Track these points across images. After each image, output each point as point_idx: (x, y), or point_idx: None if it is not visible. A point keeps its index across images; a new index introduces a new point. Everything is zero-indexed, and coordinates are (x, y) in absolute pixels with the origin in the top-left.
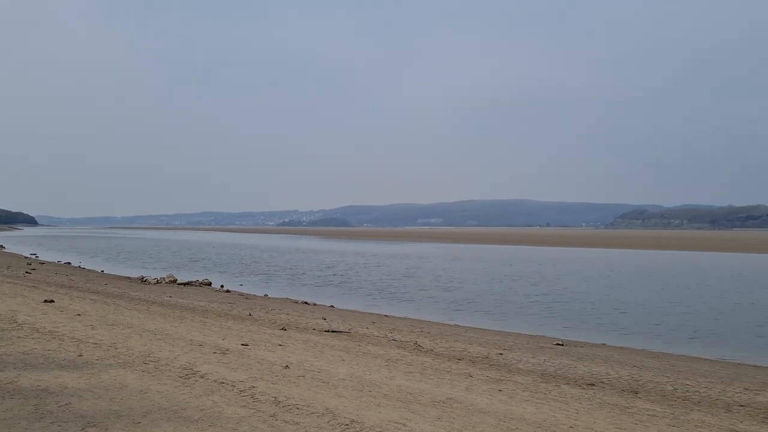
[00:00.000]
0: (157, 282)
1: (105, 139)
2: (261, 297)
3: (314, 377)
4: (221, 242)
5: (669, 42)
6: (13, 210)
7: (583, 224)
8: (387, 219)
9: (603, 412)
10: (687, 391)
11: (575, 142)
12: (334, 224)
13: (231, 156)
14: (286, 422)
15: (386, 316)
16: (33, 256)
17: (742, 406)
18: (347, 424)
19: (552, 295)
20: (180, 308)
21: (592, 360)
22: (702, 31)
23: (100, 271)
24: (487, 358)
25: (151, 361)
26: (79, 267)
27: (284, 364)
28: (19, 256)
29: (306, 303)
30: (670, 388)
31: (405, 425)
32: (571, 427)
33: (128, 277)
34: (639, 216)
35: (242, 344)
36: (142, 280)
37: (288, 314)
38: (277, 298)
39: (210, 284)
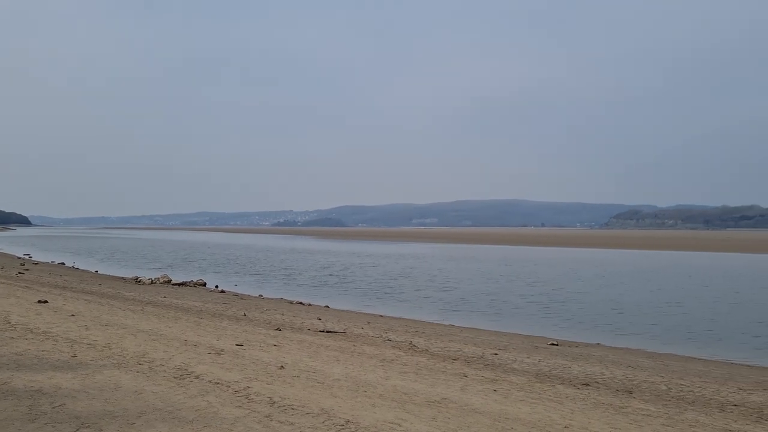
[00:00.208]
0: (152, 282)
1: (100, 139)
2: (256, 297)
3: (309, 377)
4: (216, 242)
5: (666, 43)
6: (6, 210)
7: (578, 224)
8: (382, 219)
9: (598, 412)
10: (681, 390)
11: (570, 142)
12: (330, 224)
13: (227, 156)
14: (281, 422)
15: (381, 316)
16: (26, 257)
17: (735, 405)
18: (342, 425)
19: (547, 295)
20: (175, 309)
21: (587, 360)
22: (699, 31)
23: (94, 271)
24: (482, 358)
25: (146, 362)
26: (73, 267)
27: (279, 365)
28: (12, 257)
29: (301, 303)
30: (664, 387)
31: (400, 425)
32: (566, 427)
33: (122, 278)
34: (633, 216)
35: (237, 344)
36: (137, 281)
37: (283, 314)
38: (272, 299)
39: (205, 284)
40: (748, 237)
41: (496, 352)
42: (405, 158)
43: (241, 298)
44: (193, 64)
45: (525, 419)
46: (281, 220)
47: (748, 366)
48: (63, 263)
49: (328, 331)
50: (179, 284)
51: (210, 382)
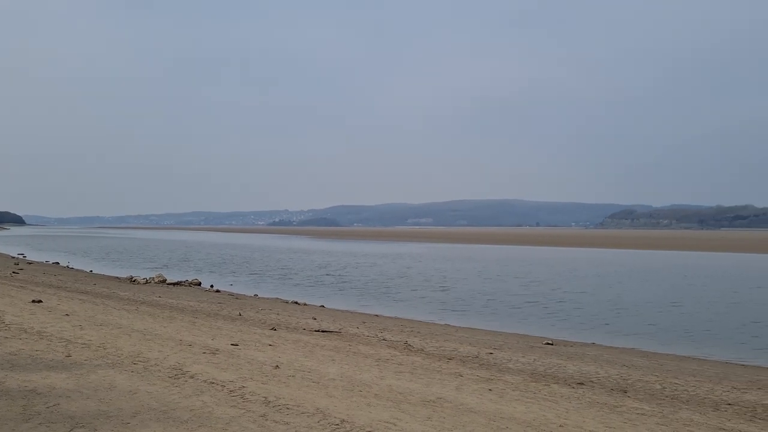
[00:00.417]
0: (147, 282)
1: (96, 139)
2: (251, 297)
3: (304, 377)
4: (211, 242)
5: (663, 43)
6: (0, 209)
7: (573, 224)
8: (377, 219)
9: (592, 411)
10: (675, 389)
11: (565, 142)
12: (325, 224)
13: (222, 156)
14: (276, 422)
15: (377, 315)
16: (20, 256)
17: (729, 404)
18: (337, 424)
19: (542, 295)
20: (169, 308)
21: (582, 359)
22: (699, 31)
23: (88, 271)
24: (477, 357)
25: (141, 362)
26: (68, 267)
27: (274, 364)
28: (7, 256)
29: (296, 303)
30: (658, 386)
31: (395, 425)
32: (560, 426)
33: (117, 277)
34: (628, 216)
35: (232, 344)
36: (131, 280)
37: (278, 314)
38: (268, 298)
39: (200, 284)
40: (743, 237)
41: (492, 351)
42: (400, 158)
43: (237, 298)
44: (191, 64)
45: (520, 418)
46: (276, 220)
47: (743, 365)
48: (57, 263)
49: (323, 331)
50: (174, 284)
51: (205, 381)
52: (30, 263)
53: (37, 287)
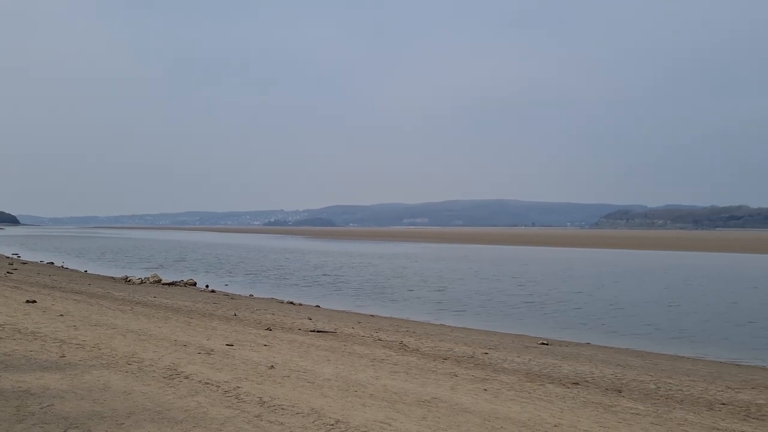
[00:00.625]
0: (142, 282)
1: (90, 139)
2: (246, 297)
3: (299, 377)
4: (207, 242)
5: (661, 43)
6: None
7: (568, 224)
8: (373, 219)
9: (587, 410)
10: (670, 389)
11: (561, 143)
12: (320, 224)
13: (218, 156)
14: (271, 422)
15: (372, 315)
16: (15, 256)
17: (723, 404)
18: (332, 424)
19: (538, 294)
20: (164, 308)
21: (577, 359)
22: (699, 32)
23: (83, 271)
24: (472, 357)
25: (135, 362)
26: (62, 267)
27: (269, 365)
28: (1, 256)
29: (292, 303)
30: (653, 386)
31: (390, 425)
32: (555, 425)
33: (112, 278)
34: (623, 216)
35: (227, 344)
36: (126, 281)
37: (273, 314)
38: (263, 298)
39: (195, 284)
40: (737, 237)
41: (487, 351)
42: (396, 158)
43: (232, 298)
44: (190, 64)
45: (515, 418)
46: (272, 220)
47: (737, 365)
48: (52, 263)
49: (318, 331)
50: (169, 284)
51: (200, 382)
52: (24, 263)
53: (31, 287)
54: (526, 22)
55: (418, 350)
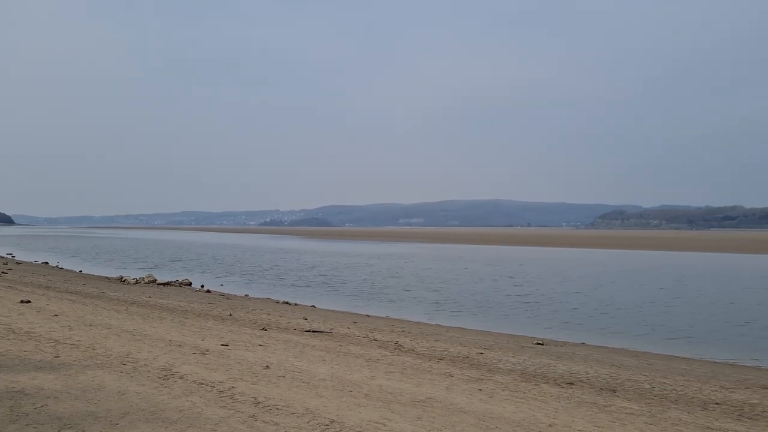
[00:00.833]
0: (137, 282)
1: (86, 139)
2: (242, 297)
3: (294, 377)
4: (202, 242)
5: (659, 44)
6: None
7: (564, 224)
8: (368, 219)
9: (582, 410)
10: (664, 389)
11: (557, 143)
12: (316, 224)
13: (214, 156)
14: (266, 423)
15: (367, 315)
16: (9, 256)
17: (717, 404)
18: (327, 424)
19: (533, 295)
20: (159, 308)
21: (572, 359)
22: (689, 33)
23: (78, 271)
24: (467, 357)
25: (130, 362)
26: (57, 267)
27: (264, 365)
28: None
29: (287, 303)
30: (647, 386)
31: (385, 425)
32: (550, 425)
33: (107, 278)
34: (618, 216)
35: (222, 344)
36: (121, 281)
37: (269, 314)
38: (258, 298)
39: (190, 284)
40: (732, 237)
41: (482, 351)
42: (392, 158)
43: (227, 298)
44: (184, 64)
45: (510, 418)
46: (267, 220)
47: (731, 365)
48: (47, 263)
49: (314, 331)
50: (164, 284)
51: (194, 382)
52: (19, 263)
53: (25, 287)
54: (525, 21)
55: (413, 350)
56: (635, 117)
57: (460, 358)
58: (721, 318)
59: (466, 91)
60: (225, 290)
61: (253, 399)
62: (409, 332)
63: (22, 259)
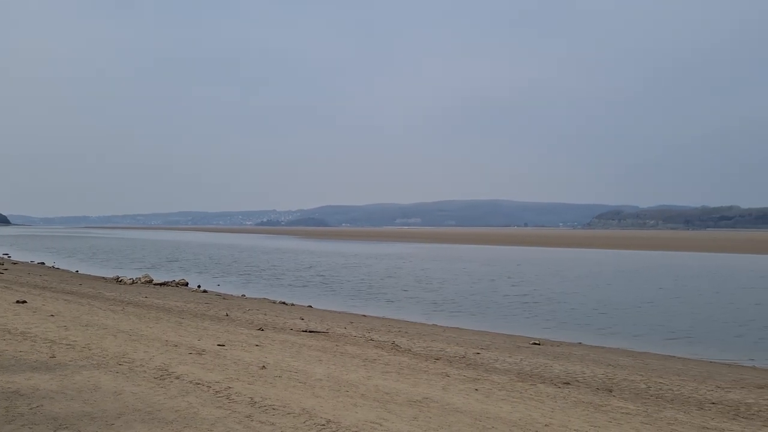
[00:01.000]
0: (133, 282)
1: (82, 139)
2: (238, 297)
3: (291, 377)
4: (199, 242)
5: (655, 44)
6: None
7: (561, 224)
8: (365, 219)
9: (578, 410)
10: (660, 389)
11: (554, 143)
12: (313, 224)
13: (211, 156)
14: (262, 423)
15: (364, 316)
16: (5, 256)
17: (713, 403)
18: (323, 425)
19: (530, 295)
20: (156, 309)
21: (568, 359)
22: (688, 33)
23: (74, 271)
24: (464, 357)
25: (126, 362)
26: (53, 267)
27: (261, 365)
28: None
29: (284, 303)
30: (643, 386)
31: (381, 425)
32: (546, 425)
33: (103, 278)
34: (615, 216)
35: (218, 345)
36: (118, 281)
37: (265, 314)
38: (255, 299)
39: (187, 284)
40: (728, 237)
41: (479, 351)
42: (389, 158)
43: (224, 298)
44: (182, 64)
45: (506, 418)
46: (264, 220)
47: (727, 365)
48: (43, 263)
49: (310, 331)
50: (161, 284)
51: (191, 382)
52: (15, 263)
53: (21, 287)
54: (525, 21)
55: (410, 350)
56: (633, 117)
57: (457, 358)
58: (718, 318)
59: (466, 91)
60: (222, 290)
61: (249, 399)
62: (406, 332)
63: (18, 260)
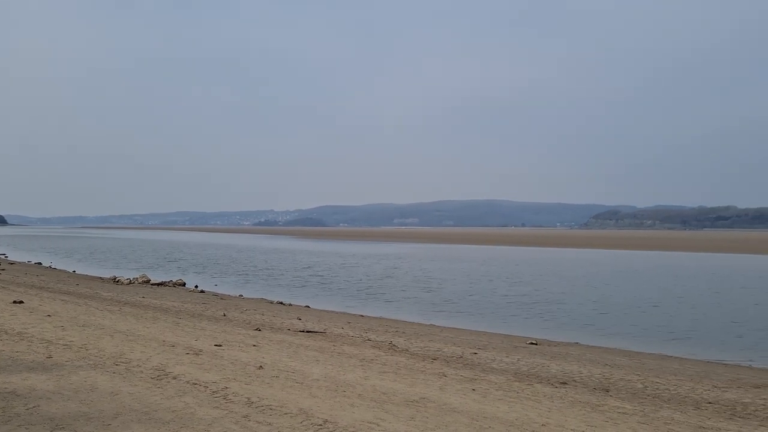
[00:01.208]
0: (130, 282)
1: (79, 139)
2: (236, 297)
3: (288, 377)
4: (197, 242)
5: (652, 45)
6: None
7: (558, 224)
8: (363, 219)
9: (574, 410)
10: (657, 388)
11: (551, 143)
12: (311, 224)
13: (208, 156)
14: (259, 423)
15: (362, 316)
16: (2, 257)
17: (710, 403)
18: (320, 425)
19: (528, 295)
20: (153, 309)
21: (565, 359)
22: (688, 34)
23: (71, 271)
24: (461, 357)
25: (123, 363)
26: (50, 267)
27: (258, 365)
28: None
29: (281, 303)
30: (640, 386)
31: (378, 425)
32: (543, 425)
33: (100, 278)
34: (612, 216)
35: (216, 345)
36: (115, 281)
37: (263, 314)
38: (252, 299)
39: (184, 285)
40: (725, 237)
41: (476, 351)
42: (387, 158)
43: (221, 299)
44: (180, 64)
45: (503, 418)
46: (262, 220)
47: (724, 364)
48: (40, 263)
49: (308, 331)
50: (158, 284)
51: (188, 382)
52: (12, 263)
53: (18, 288)
54: (525, 22)
55: (407, 350)
56: (631, 118)
57: (454, 358)
58: (714, 318)
59: (465, 91)
60: (219, 290)
61: (246, 399)
62: (404, 332)
63: (15, 260)
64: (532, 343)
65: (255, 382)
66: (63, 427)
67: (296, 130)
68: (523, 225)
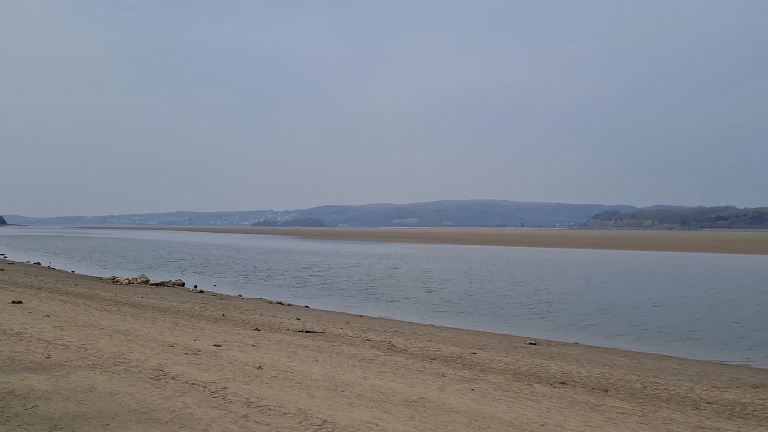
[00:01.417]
0: (129, 282)
1: (78, 139)
2: (235, 297)
3: (287, 378)
4: (196, 242)
5: (647, 45)
6: None
7: (557, 224)
8: (362, 219)
9: (573, 410)
10: (656, 388)
11: (550, 144)
12: (310, 224)
13: (207, 155)
14: (258, 423)
15: (361, 316)
16: (1, 257)
17: (709, 403)
18: (319, 425)
19: (527, 295)
20: (152, 309)
21: (564, 359)
22: (682, 34)
23: (70, 271)
24: (460, 357)
25: (122, 363)
26: (49, 267)
27: (257, 365)
28: None
29: (280, 303)
30: (639, 386)
31: (377, 425)
32: (542, 425)
33: (99, 278)
34: (612, 216)
35: (215, 345)
36: (114, 281)
37: (262, 315)
38: (252, 299)
39: (183, 285)
40: (724, 237)
41: (475, 351)
42: (386, 158)
43: (220, 299)
44: (179, 62)
45: (502, 418)
46: (261, 220)
47: (723, 364)
48: (39, 263)
49: (307, 331)
50: (157, 284)
51: (186, 382)
52: (11, 263)
53: (17, 288)
54: (521, 23)
55: (406, 350)
56: (630, 117)
57: (453, 358)
58: (713, 318)
59: (462, 92)
60: (218, 290)
61: (245, 399)
62: (403, 332)
63: (14, 260)
64: (531, 343)
65: (254, 382)
66: (62, 427)
67: (295, 130)
68: (522, 225)
